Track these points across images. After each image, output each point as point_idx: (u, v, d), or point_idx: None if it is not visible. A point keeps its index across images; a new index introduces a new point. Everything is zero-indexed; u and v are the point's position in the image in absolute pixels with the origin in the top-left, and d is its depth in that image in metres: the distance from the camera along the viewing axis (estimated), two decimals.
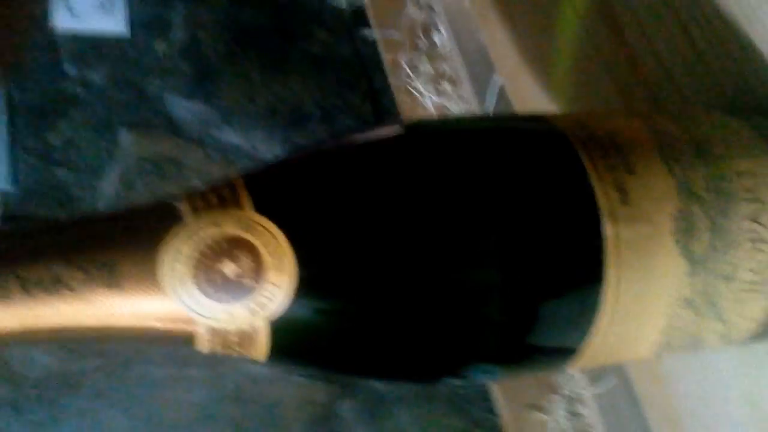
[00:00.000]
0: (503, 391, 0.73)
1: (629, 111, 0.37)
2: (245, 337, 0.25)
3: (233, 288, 0.24)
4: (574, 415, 0.62)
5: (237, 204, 0.25)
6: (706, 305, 0.30)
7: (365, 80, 1.06)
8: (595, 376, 0.59)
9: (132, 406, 0.99)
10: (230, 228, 0.24)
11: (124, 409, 0.98)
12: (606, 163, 0.29)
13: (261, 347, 0.25)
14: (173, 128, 1.06)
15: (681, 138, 0.31)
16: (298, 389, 1.02)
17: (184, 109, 1.06)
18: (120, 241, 0.24)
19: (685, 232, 0.29)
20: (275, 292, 0.24)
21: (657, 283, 0.29)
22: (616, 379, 0.55)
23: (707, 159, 0.30)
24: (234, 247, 0.24)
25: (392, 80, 0.78)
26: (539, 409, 0.65)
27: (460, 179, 0.28)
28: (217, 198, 0.25)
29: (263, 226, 0.24)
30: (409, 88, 0.76)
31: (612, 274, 0.28)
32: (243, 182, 0.26)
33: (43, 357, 0.98)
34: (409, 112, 0.78)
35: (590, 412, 0.58)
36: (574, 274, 0.28)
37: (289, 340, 0.26)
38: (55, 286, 0.23)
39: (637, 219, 0.28)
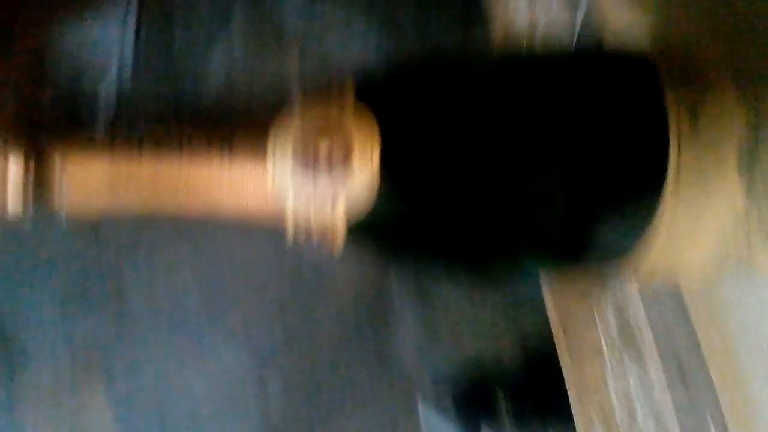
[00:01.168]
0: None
1: (712, 34, 0.38)
2: (328, 220, 0.28)
3: (325, 167, 0.27)
4: (619, 308, 0.63)
5: (341, 94, 0.28)
6: (757, 230, 0.32)
7: None
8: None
9: (197, 258, 1.04)
10: (332, 112, 0.27)
11: (189, 258, 1.03)
12: (682, 84, 0.31)
13: (340, 231, 0.29)
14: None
15: (758, 69, 0.32)
16: (349, 267, 1.05)
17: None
18: (238, 118, 0.27)
19: (748, 161, 0.30)
20: (359, 178, 0.28)
21: (714, 205, 0.31)
22: (665, 285, 0.56)
23: None
24: (331, 131, 0.27)
25: None
26: (587, 298, 0.66)
27: (549, 98, 0.30)
28: (326, 90, 0.28)
29: (360, 116, 0.28)
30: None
31: (671, 188, 0.30)
32: (350, 77, 0.29)
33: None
34: (499, 20, 0.79)
35: (635, 310, 0.60)
36: (637, 183, 0.30)
37: (366, 224, 0.29)
38: (179, 145, 0.26)
39: (703, 142, 0.30)
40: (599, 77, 0.32)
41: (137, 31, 1.05)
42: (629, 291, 0.60)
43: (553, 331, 0.70)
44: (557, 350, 0.69)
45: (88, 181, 0.25)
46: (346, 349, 1.05)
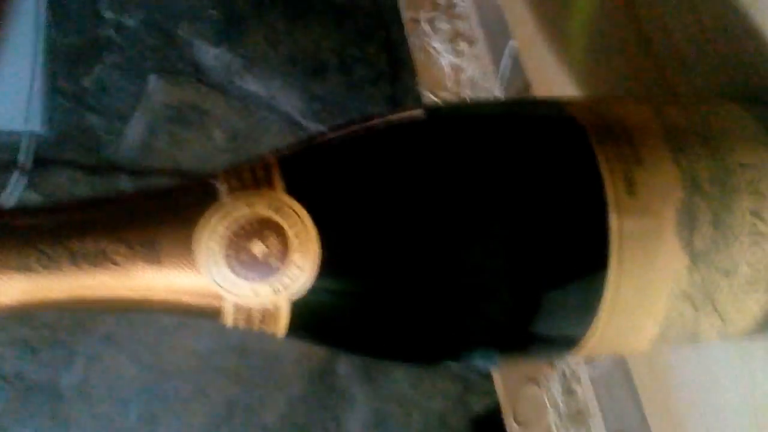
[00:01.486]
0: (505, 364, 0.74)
1: (639, 96, 0.38)
2: (267, 315, 0.27)
3: (260, 267, 0.26)
4: (569, 392, 0.63)
5: (270, 185, 0.26)
6: (704, 299, 0.30)
7: (383, 32, 1.06)
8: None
9: (139, 352, 1.02)
10: (262, 209, 0.26)
11: (132, 355, 1.01)
12: (616, 151, 0.29)
13: (281, 324, 0.27)
14: (198, 74, 1.07)
15: (688, 127, 0.31)
16: (298, 345, 1.05)
17: (210, 55, 1.07)
18: (162, 218, 0.26)
19: (688, 225, 0.29)
20: (298, 273, 0.26)
21: (657, 276, 0.29)
22: (612, 363, 0.56)
23: (712, 150, 0.31)
24: (264, 227, 0.26)
25: (410, 37, 0.79)
26: (535, 382, 0.66)
27: (473, 165, 0.29)
28: (251, 178, 0.27)
29: (292, 209, 0.26)
30: (426, 46, 0.77)
31: (614, 266, 0.29)
32: (277, 163, 0.27)
33: None
34: (423, 69, 0.79)
35: (584, 391, 0.60)
36: (577, 264, 0.29)
37: (308, 319, 0.28)
38: (101, 259, 0.25)
39: (642, 211, 0.29)
40: (527, 139, 0.31)
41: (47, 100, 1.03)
42: (577, 372, 0.59)
43: (503, 416, 0.70)
44: None
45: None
46: None
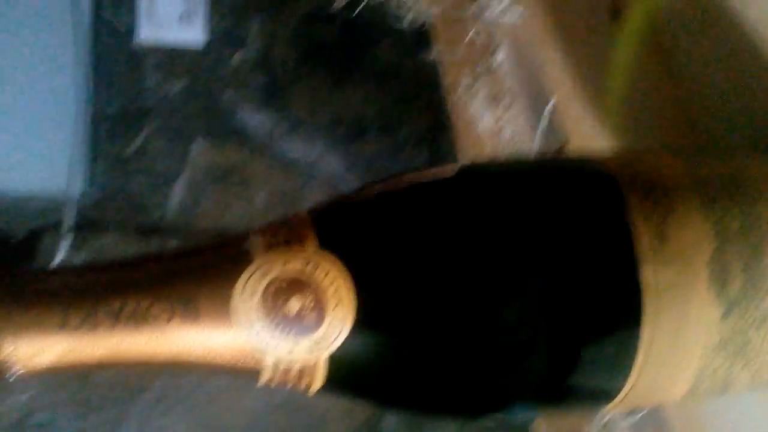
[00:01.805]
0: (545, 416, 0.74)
1: (671, 150, 0.38)
2: (304, 372, 0.27)
3: (298, 324, 0.26)
4: None
5: (303, 241, 0.27)
6: (737, 350, 0.30)
7: (425, 95, 1.08)
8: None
9: (189, 412, 1.03)
10: (297, 266, 0.26)
11: (181, 415, 1.02)
12: (648, 203, 0.30)
13: (317, 381, 0.28)
14: (242, 139, 1.09)
15: (718, 179, 0.32)
16: (344, 402, 1.05)
17: (254, 120, 1.09)
18: (200, 276, 0.26)
19: (720, 276, 0.29)
20: (334, 330, 0.27)
21: (691, 328, 0.29)
22: (648, 411, 0.56)
23: (741, 200, 0.31)
24: (300, 285, 0.26)
25: (450, 99, 0.80)
26: None
27: (506, 221, 0.29)
28: (285, 235, 0.27)
29: (328, 265, 0.27)
30: (466, 109, 0.78)
31: (648, 319, 0.29)
32: (310, 219, 0.28)
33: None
34: (464, 132, 0.80)
35: None
36: (612, 319, 0.29)
37: (343, 376, 0.28)
38: (140, 318, 0.25)
39: (674, 263, 0.29)
40: (559, 193, 0.31)
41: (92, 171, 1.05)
42: (615, 420, 0.59)
43: None
44: None
45: (41, 355, 0.24)
46: None
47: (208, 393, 1.03)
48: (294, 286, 0.26)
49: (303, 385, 0.28)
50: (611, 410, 0.31)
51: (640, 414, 0.56)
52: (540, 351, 0.29)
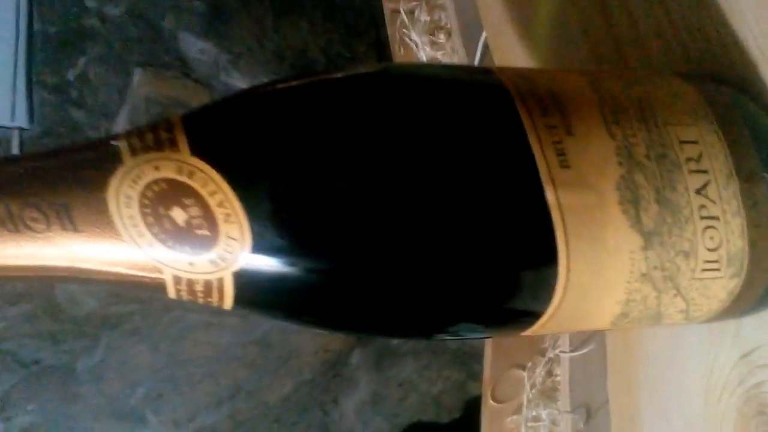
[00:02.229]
0: (494, 349, 0.74)
1: (578, 69, 0.37)
2: (211, 287, 0.25)
3: (188, 237, 0.24)
4: (550, 375, 0.62)
5: (174, 146, 0.25)
6: (665, 281, 0.29)
7: (373, 30, 1.06)
8: (580, 341, 0.59)
9: (160, 344, 1.02)
10: (170, 172, 0.24)
11: (152, 346, 1.01)
12: (545, 121, 0.28)
13: (227, 297, 0.26)
14: (184, 70, 1.07)
15: (625, 99, 0.30)
16: (317, 338, 1.05)
17: (196, 49, 1.06)
18: (69, 181, 0.24)
19: (632, 202, 0.28)
20: (233, 244, 0.25)
21: (611, 257, 0.28)
22: (594, 344, 0.56)
23: (649, 123, 0.29)
24: (179, 193, 0.24)
25: (389, 28, 0.78)
26: (521, 367, 0.65)
27: (399, 131, 0.27)
28: (154, 138, 0.25)
29: (203, 171, 0.25)
30: (405, 38, 0.76)
31: (561, 242, 0.27)
32: (181, 122, 0.25)
33: (89, 299, 1.01)
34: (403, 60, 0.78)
35: (563, 374, 0.59)
36: (525, 240, 0.28)
37: (254, 291, 0.26)
38: (18, 225, 0.23)
39: (578, 185, 0.27)
40: (452, 100, 0.29)
41: None
42: (560, 356, 0.59)
43: (482, 394, 0.69)
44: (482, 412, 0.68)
45: None
46: (287, 427, 1.03)
47: (182, 329, 1.02)
48: (173, 194, 0.24)
49: (215, 301, 0.26)
50: (539, 331, 0.30)
51: (586, 349, 0.56)
52: (458, 270, 0.28)
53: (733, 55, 0.35)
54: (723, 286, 0.30)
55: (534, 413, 0.60)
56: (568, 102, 0.29)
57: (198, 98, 1.06)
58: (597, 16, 0.44)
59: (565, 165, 0.28)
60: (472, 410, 0.93)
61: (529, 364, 0.66)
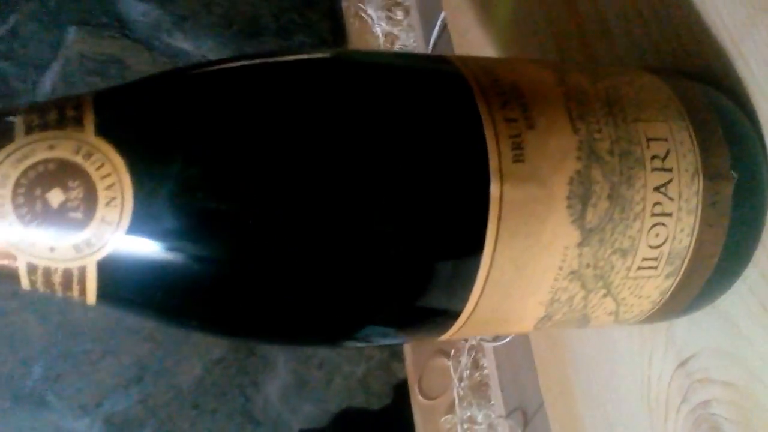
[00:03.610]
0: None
1: (544, 61, 0.35)
2: (70, 278, 0.22)
3: (57, 219, 0.21)
4: (477, 367, 0.61)
5: (78, 125, 0.22)
6: (595, 280, 0.28)
7: (327, 0, 1.02)
8: None
9: (47, 311, 0.97)
10: (65, 152, 0.21)
11: (38, 313, 0.97)
12: (505, 114, 0.26)
13: (89, 290, 0.23)
14: (123, 30, 1.02)
15: (592, 93, 0.28)
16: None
17: (137, 11, 1.02)
18: None
19: (581, 197, 0.26)
20: (105, 229, 0.22)
21: (543, 253, 0.26)
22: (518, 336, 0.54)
23: (617, 119, 0.28)
24: (67, 175, 0.21)
25: (345, 2, 0.75)
26: (445, 354, 0.63)
27: (335, 113, 0.25)
28: (57, 116, 0.22)
29: (105, 154, 0.22)
30: (360, 13, 0.73)
31: (491, 237, 0.25)
32: (92, 100, 0.23)
33: None
34: (357, 36, 0.75)
35: (489, 364, 0.57)
36: (450, 233, 0.26)
37: (122, 283, 0.23)
38: None
39: (528, 179, 0.26)
40: (407, 91, 0.27)
41: None
42: (483, 344, 0.57)
43: (410, 389, 0.67)
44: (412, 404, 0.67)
45: None
46: (208, 414, 1.00)
47: (66, 311, 0.98)
48: (59, 175, 0.21)
49: (76, 293, 0.23)
50: (457, 335, 0.28)
51: (508, 338, 0.55)
52: (372, 262, 0.25)
53: (706, 49, 0.33)
54: (657, 285, 0.29)
55: (468, 413, 0.58)
56: (531, 95, 0.27)
57: (138, 57, 1.01)
58: (561, 5, 0.42)
59: (519, 159, 0.26)
60: (400, 397, 0.90)
61: (453, 351, 0.64)
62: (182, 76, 0.25)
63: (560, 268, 0.27)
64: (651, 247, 0.28)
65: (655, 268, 0.29)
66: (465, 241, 0.26)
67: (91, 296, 0.23)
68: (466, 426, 0.57)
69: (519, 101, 0.27)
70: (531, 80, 0.28)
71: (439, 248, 0.26)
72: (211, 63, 0.26)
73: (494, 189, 0.25)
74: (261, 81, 0.25)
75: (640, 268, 0.28)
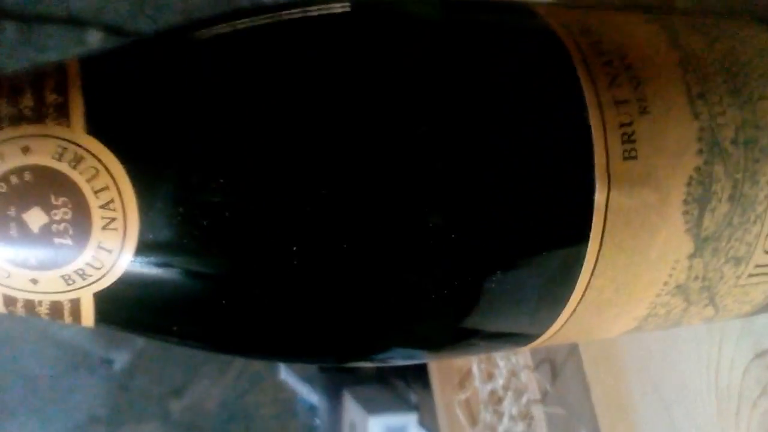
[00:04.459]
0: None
1: (636, 8, 0.28)
2: (61, 308, 0.17)
3: (41, 247, 0.16)
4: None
5: (62, 116, 0.16)
6: (701, 292, 0.23)
7: None
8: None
9: None
10: (43, 158, 0.16)
11: None
12: (614, 94, 0.20)
13: (85, 318, 0.17)
14: None
15: (710, 61, 0.22)
16: None
17: None
18: None
19: (699, 200, 0.21)
20: (103, 257, 0.16)
21: (649, 268, 0.21)
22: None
23: (741, 96, 0.22)
24: (48, 187, 0.16)
25: None
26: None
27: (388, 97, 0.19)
28: (34, 104, 0.16)
29: (96, 158, 0.16)
30: None
31: (590, 257, 0.20)
32: (80, 78, 0.16)
33: None
34: None
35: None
36: (539, 253, 0.20)
37: (124, 315, 0.18)
38: None
39: (641, 182, 0.20)
40: (478, 57, 0.20)
41: None
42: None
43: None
44: None
45: None
46: None
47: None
48: (38, 189, 0.16)
49: (68, 321, 0.18)
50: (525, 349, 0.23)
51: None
52: (431, 278, 0.19)
53: None
54: (764, 290, 0.24)
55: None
56: (642, 65, 0.21)
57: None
58: None
59: (630, 156, 0.20)
60: None
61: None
62: (209, 39, 0.18)
63: (665, 284, 0.22)
64: (766, 252, 0.23)
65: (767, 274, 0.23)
66: (558, 263, 0.20)
67: (89, 323, 0.18)
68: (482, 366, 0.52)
69: (629, 74, 0.21)
70: (639, 43, 0.22)
71: (526, 273, 0.20)
72: (244, 12, 0.19)
73: (599, 195, 0.19)
74: (311, 51, 0.19)
75: (750, 275, 0.23)
